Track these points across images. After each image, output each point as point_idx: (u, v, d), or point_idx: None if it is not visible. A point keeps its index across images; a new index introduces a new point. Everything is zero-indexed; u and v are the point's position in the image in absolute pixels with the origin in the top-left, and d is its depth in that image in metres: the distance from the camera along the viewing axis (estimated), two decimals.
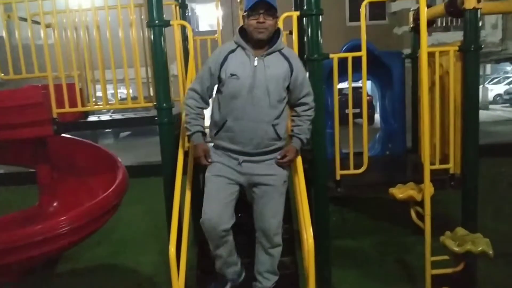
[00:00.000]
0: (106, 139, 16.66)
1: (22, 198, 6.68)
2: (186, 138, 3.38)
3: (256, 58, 2.57)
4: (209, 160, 2.73)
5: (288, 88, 2.66)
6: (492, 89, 22.49)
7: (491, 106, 20.71)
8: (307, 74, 3.53)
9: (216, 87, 2.72)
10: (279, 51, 2.62)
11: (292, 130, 2.78)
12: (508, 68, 27.09)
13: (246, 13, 2.54)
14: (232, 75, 2.55)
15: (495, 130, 12.88)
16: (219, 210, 2.61)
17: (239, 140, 2.61)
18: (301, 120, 2.76)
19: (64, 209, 4.51)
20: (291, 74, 2.63)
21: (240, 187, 2.72)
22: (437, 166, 3.69)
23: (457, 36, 12.98)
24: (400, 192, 3.44)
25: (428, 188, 3.18)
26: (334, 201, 5.06)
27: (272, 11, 2.51)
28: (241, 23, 4.50)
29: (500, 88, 22.69)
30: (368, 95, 12.94)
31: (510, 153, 9.10)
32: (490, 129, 12.92)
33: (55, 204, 4.71)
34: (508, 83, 22.86)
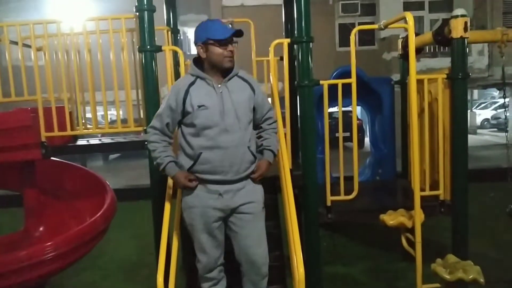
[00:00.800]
0: (95, 161, 16.50)
1: (7, 221, 6.54)
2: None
3: (219, 85, 2.59)
4: (194, 181, 2.62)
5: (253, 108, 2.71)
6: (480, 114, 22.82)
7: (479, 131, 20.97)
8: (298, 99, 3.59)
9: (179, 122, 2.67)
10: (237, 75, 2.67)
11: (261, 145, 2.75)
12: (495, 93, 27.55)
13: (212, 42, 2.53)
14: (200, 106, 2.53)
15: (483, 155, 13.01)
16: (213, 254, 2.70)
17: (218, 169, 2.56)
18: (267, 133, 2.76)
19: (50, 234, 4.42)
20: (254, 94, 2.68)
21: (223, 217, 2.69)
22: (427, 193, 3.70)
23: (445, 62, 13.22)
24: (390, 218, 3.44)
25: (419, 215, 3.18)
26: (324, 226, 5.03)
27: (234, 41, 2.59)
28: None
29: (488, 113, 23.01)
30: (357, 119, 13.06)
31: (499, 178, 9.09)
32: (478, 154, 13.05)
33: (41, 228, 4.62)
34: (495, 108, 23.21)
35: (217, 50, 2.54)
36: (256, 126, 2.78)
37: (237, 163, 2.57)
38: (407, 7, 15.73)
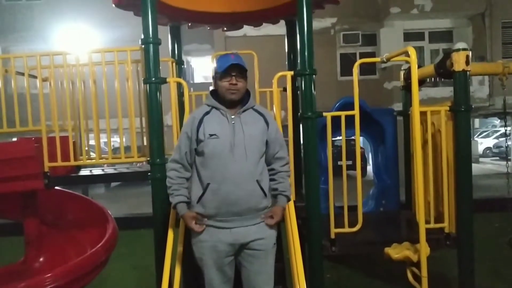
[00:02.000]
0: (97, 188, 16.45)
1: (6, 250, 6.47)
2: None
3: (233, 116, 2.62)
4: (200, 224, 2.60)
5: (266, 143, 2.69)
6: (482, 143, 22.84)
7: (481, 159, 20.95)
8: (300, 131, 3.60)
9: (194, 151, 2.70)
10: (252, 108, 2.69)
11: (275, 189, 2.71)
12: (496, 122, 27.64)
13: (218, 75, 2.62)
14: (211, 135, 2.56)
15: (486, 184, 12.94)
16: None
17: (227, 202, 2.53)
18: (281, 176, 2.72)
19: (50, 265, 4.36)
20: (268, 128, 2.68)
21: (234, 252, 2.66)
22: (432, 225, 3.65)
23: (446, 91, 13.33)
24: (395, 252, 3.38)
25: (424, 250, 3.14)
26: (328, 257, 4.96)
27: (243, 73, 2.61)
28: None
29: (489, 142, 23.04)
30: (361, 148, 12.97)
31: (503, 208, 9.04)
32: (481, 183, 12.97)
33: (41, 259, 4.56)
34: (497, 137, 23.24)
35: (221, 82, 2.61)
36: (268, 163, 2.74)
37: (245, 197, 2.54)
38: (407, 37, 15.98)
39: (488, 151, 22.58)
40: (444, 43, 16.24)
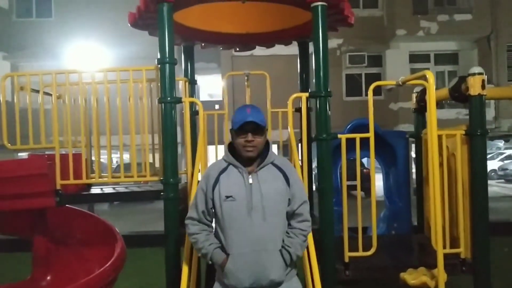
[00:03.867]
0: (101, 205, 16.38)
1: (14, 267, 6.40)
2: None
3: (250, 175, 2.43)
4: None
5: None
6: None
7: None
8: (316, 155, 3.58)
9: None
10: (271, 162, 2.49)
11: (282, 241, 2.46)
12: (501, 144, 27.62)
13: (233, 131, 2.45)
14: (227, 197, 2.38)
15: (493, 207, 12.79)
16: None
17: (246, 275, 2.34)
18: (293, 232, 2.47)
19: (57, 284, 4.31)
20: (289, 186, 2.47)
21: None
22: (447, 251, 3.59)
23: (451, 113, 13.34)
24: (412, 278, 3.32)
25: (442, 276, 3.08)
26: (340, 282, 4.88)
27: (260, 130, 2.43)
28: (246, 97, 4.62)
29: (494, 164, 22.97)
30: (365, 168, 12.96)
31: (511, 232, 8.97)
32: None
33: (48, 277, 4.50)
34: (502, 159, 23.20)
35: (235, 139, 2.46)
36: (287, 218, 2.53)
37: (266, 267, 2.34)
38: (412, 59, 16.10)
39: (493, 173, 22.48)
40: (450, 65, 16.35)
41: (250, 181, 2.41)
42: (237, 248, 2.36)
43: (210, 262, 2.46)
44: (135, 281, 6.47)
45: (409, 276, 3.35)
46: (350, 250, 3.58)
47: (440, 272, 3.09)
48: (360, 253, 3.56)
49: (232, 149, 2.52)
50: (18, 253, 6.80)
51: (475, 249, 3.62)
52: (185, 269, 2.76)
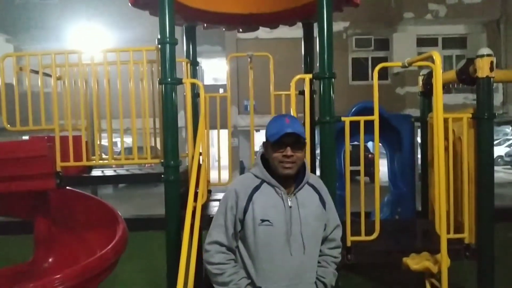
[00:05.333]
0: (105, 188, 16.47)
1: (16, 250, 6.43)
2: (192, 197, 3.28)
3: (289, 197, 2.12)
4: None
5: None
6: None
7: None
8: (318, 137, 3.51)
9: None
10: (307, 182, 2.21)
11: (316, 272, 2.23)
12: (508, 130, 27.37)
13: (269, 144, 2.13)
14: (263, 220, 2.05)
15: (498, 193, 12.72)
16: None
17: None
18: (325, 260, 2.24)
19: (59, 266, 4.31)
20: (325, 208, 2.22)
21: None
22: (451, 236, 3.54)
23: (459, 98, 13.19)
24: (415, 262, 3.28)
25: (446, 261, 3.03)
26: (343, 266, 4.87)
27: (300, 144, 2.10)
28: (249, 82, 4.56)
29: (501, 150, 22.84)
30: (370, 153, 12.88)
31: None
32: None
33: (50, 259, 4.51)
34: (509, 145, 23.03)
35: (271, 153, 2.11)
36: None
37: None
38: (420, 43, 15.87)
39: (499, 160, 22.35)
40: (458, 49, 16.11)
41: (290, 203, 2.10)
42: (270, 281, 2.06)
43: None
44: (138, 263, 6.51)
45: (412, 261, 3.31)
46: (352, 235, 3.54)
47: (444, 257, 3.04)
48: (363, 238, 3.52)
49: (264, 163, 2.18)
50: (20, 235, 6.83)
51: (479, 235, 3.57)
52: (183, 252, 2.73)
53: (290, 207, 2.09)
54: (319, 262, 2.22)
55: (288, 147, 2.06)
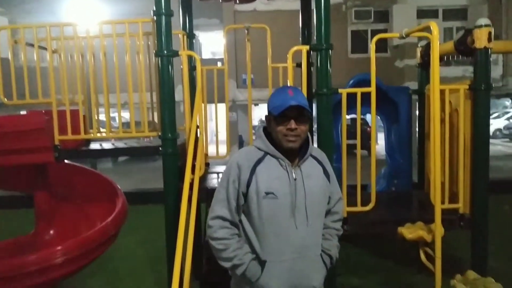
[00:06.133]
0: (105, 163, 16.55)
1: (18, 224, 6.52)
2: (190, 169, 3.31)
3: (293, 169, 2.07)
4: None
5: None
6: (492, 124, 22.62)
7: (491, 141, 20.73)
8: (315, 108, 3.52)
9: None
10: (311, 154, 2.16)
11: (321, 245, 2.19)
12: (507, 103, 27.33)
13: (272, 117, 2.06)
14: (267, 193, 2.00)
15: (496, 165, 12.81)
16: None
17: (287, 284, 2.06)
18: (329, 233, 2.22)
19: (60, 238, 4.39)
20: (329, 181, 2.19)
21: None
22: (446, 206, 3.59)
23: (458, 71, 13.11)
24: (409, 232, 3.35)
25: (440, 230, 3.09)
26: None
27: (304, 116, 2.04)
28: (247, 56, 4.52)
29: (500, 123, 22.84)
30: (368, 127, 12.91)
31: None
32: (491, 164, 12.86)
33: (51, 232, 4.58)
34: (508, 118, 23.02)
35: (274, 126, 2.05)
36: None
37: (308, 276, 2.09)
38: (420, 14, 15.65)
39: (498, 133, 22.39)
40: (459, 21, 15.90)
41: (294, 175, 2.05)
42: (276, 255, 2.03)
43: (240, 275, 2.05)
44: (138, 236, 6.61)
45: (407, 231, 3.37)
46: (348, 206, 3.59)
47: (437, 227, 3.09)
48: (359, 208, 3.57)
49: (267, 136, 2.13)
50: (21, 209, 6.91)
51: (474, 205, 3.62)
52: (181, 223, 2.78)
53: (295, 179, 2.04)
54: (323, 235, 2.19)
55: (292, 120, 2.01)
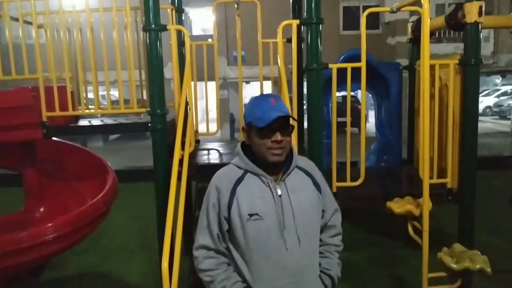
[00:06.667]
0: (95, 141, 16.47)
1: (7, 202, 6.50)
2: (179, 145, 3.30)
3: (277, 183, 1.87)
4: None
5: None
6: (482, 101, 22.77)
7: (481, 118, 20.95)
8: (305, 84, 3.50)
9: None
10: (297, 166, 1.96)
11: (319, 265, 1.99)
12: (497, 81, 27.46)
13: (254, 129, 1.84)
14: (251, 215, 1.81)
15: (485, 142, 12.96)
16: None
17: None
18: (328, 250, 2.02)
19: (51, 215, 4.37)
20: (321, 193, 1.97)
21: None
22: (434, 181, 3.64)
23: (449, 48, 13.09)
24: (397, 206, 3.39)
25: (427, 204, 3.13)
26: None
27: (290, 126, 1.86)
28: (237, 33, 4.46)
29: (490, 101, 22.98)
30: (359, 104, 12.95)
31: (501, 166, 9.17)
32: (480, 141, 12.99)
33: (41, 209, 4.56)
34: (498, 96, 23.15)
35: (257, 139, 1.84)
36: None
37: None
38: None
39: (488, 110, 22.55)
40: None
41: (279, 192, 1.86)
42: (268, 282, 1.83)
43: None
44: (129, 213, 6.65)
45: (395, 205, 3.41)
46: (338, 181, 3.62)
47: (425, 200, 3.13)
48: (348, 183, 3.60)
49: (246, 152, 1.93)
50: (11, 188, 6.89)
51: (462, 179, 3.66)
52: (171, 198, 2.78)
53: (280, 195, 1.85)
54: (321, 253, 2.00)
55: (277, 132, 1.81)
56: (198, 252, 1.92)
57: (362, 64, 3.41)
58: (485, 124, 19.27)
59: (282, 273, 1.82)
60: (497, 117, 21.89)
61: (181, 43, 4.27)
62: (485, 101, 22.87)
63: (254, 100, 1.93)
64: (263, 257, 1.82)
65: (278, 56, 3.77)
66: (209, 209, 1.89)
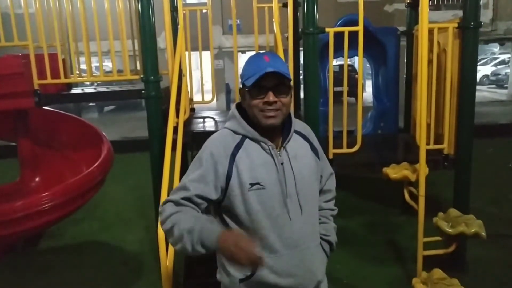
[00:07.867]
0: (90, 113, 16.37)
1: (2, 173, 6.49)
2: (174, 112, 3.26)
3: (278, 150, 1.72)
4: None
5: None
6: (479, 70, 22.58)
7: (478, 87, 20.81)
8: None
9: (215, 206, 1.77)
10: (294, 130, 1.80)
11: None
12: (495, 49, 27.20)
13: (246, 89, 1.67)
14: (252, 184, 1.65)
15: (482, 111, 12.93)
16: None
17: (285, 279, 1.72)
18: (325, 215, 1.94)
19: (46, 185, 4.37)
20: (319, 158, 1.85)
21: None
22: (431, 146, 3.61)
23: (448, 15, 12.89)
24: (394, 172, 3.38)
25: (424, 169, 3.12)
26: None
27: (285, 86, 1.66)
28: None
29: (487, 69, 22.77)
30: (356, 73, 12.88)
31: (497, 134, 9.20)
32: (476, 110, 12.96)
33: (37, 179, 4.56)
34: (495, 65, 22.96)
35: (249, 100, 1.67)
36: None
37: (311, 269, 1.79)
38: None
39: (485, 79, 22.41)
40: None
41: (281, 160, 1.71)
42: (272, 252, 1.70)
43: (202, 250, 1.54)
44: (125, 183, 6.66)
45: (392, 170, 3.41)
46: (334, 148, 3.60)
47: (422, 165, 3.12)
48: (344, 150, 3.58)
49: (243, 114, 1.75)
50: (8, 159, 6.87)
51: (458, 143, 3.64)
52: (166, 165, 2.76)
53: (282, 163, 1.70)
54: (319, 218, 1.91)
55: (269, 91, 1.63)
56: (162, 207, 1.69)
57: (360, 28, 3.34)
58: (482, 93, 19.20)
59: (285, 244, 1.70)
60: (494, 86, 21.77)
61: (174, 9, 4.17)
62: (482, 70, 22.67)
63: (249, 58, 1.77)
64: (266, 228, 1.68)
65: (274, 22, 3.69)
66: (196, 175, 1.67)
